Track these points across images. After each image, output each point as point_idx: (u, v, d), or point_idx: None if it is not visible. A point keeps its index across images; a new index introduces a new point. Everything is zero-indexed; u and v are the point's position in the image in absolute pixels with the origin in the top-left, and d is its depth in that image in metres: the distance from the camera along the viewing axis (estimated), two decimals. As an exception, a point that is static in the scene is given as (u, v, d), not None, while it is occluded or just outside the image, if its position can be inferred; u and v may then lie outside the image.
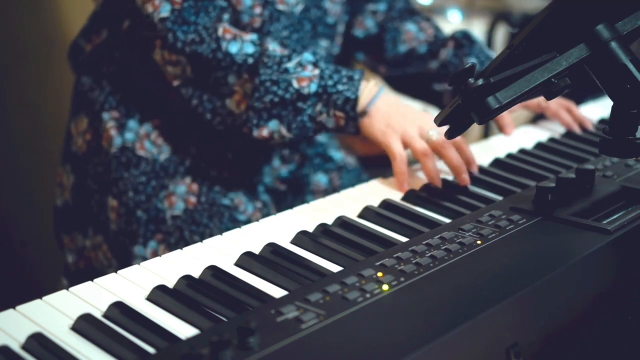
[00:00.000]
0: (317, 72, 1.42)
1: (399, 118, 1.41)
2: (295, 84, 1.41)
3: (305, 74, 1.41)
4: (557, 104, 1.67)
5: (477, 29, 3.56)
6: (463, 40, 1.74)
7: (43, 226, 2.04)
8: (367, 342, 0.87)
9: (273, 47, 1.43)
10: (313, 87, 1.41)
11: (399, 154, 1.38)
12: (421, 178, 1.43)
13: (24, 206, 2.30)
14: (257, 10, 1.52)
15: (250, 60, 1.42)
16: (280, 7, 1.54)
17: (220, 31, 1.43)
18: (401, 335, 0.88)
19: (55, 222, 1.69)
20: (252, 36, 1.44)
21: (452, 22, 3.68)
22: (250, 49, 1.42)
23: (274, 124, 1.43)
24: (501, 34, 3.36)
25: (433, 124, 1.40)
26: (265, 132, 1.44)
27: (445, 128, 1.40)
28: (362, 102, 1.41)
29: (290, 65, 1.41)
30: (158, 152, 1.56)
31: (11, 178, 2.26)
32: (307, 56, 1.44)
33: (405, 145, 1.40)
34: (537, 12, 1.02)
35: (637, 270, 1.15)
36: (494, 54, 1.74)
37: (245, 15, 1.52)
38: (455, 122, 1.10)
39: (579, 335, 1.05)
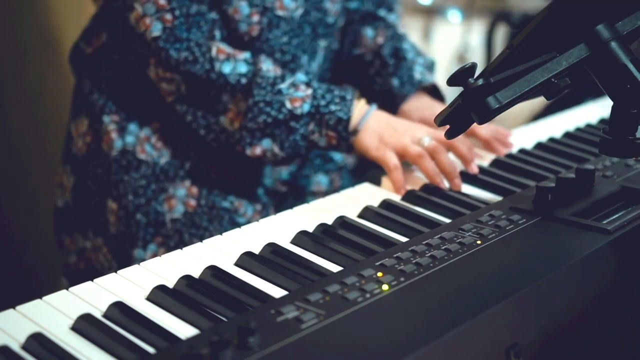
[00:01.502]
0: (309, 92, 1.43)
1: (391, 132, 1.43)
2: (288, 105, 1.42)
3: (298, 94, 1.43)
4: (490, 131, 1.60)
5: (477, 29, 3.57)
6: (390, 59, 1.72)
7: (43, 226, 2.04)
8: (367, 342, 0.87)
9: (266, 66, 1.45)
10: (306, 108, 1.42)
11: (394, 164, 1.39)
12: (421, 177, 1.43)
13: (24, 206, 2.30)
14: (255, 18, 1.52)
15: (244, 80, 1.43)
16: (280, 12, 1.54)
17: (214, 51, 1.44)
18: (401, 335, 0.88)
19: (56, 223, 1.69)
20: (246, 55, 1.46)
21: (452, 22, 3.68)
22: (243, 69, 1.44)
23: (266, 143, 1.45)
24: (501, 34, 3.36)
25: (424, 132, 1.43)
26: (258, 151, 1.46)
27: (437, 135, 1.42)
28: (354, 121, 1.43)
29: (283, 86, 1.43)
30: (158, 155, 1.56)
31: (11, 178, 2.25)
32: (300, 77, 1.45)
33: (400, 155, 1.41)
34: (537, 12, 1.02)
35: (637, 270, 1.15)
36: (420, 72, 1.71)
37: (243, 24, 1.52)
38: (455, 122, 1.10)
39: (579, 335, 1.05)
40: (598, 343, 1.08)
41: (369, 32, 1.76)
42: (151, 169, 1.55)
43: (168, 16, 1.44)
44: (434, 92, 1.74)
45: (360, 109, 1.45)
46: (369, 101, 1.56)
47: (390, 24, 1.80)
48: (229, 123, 1.46)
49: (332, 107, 1.43)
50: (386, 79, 1.71)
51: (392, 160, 1.40)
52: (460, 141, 1.45)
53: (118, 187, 1.55)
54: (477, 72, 1.04)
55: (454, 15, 3.67)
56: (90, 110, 1.59)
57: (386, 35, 1.76)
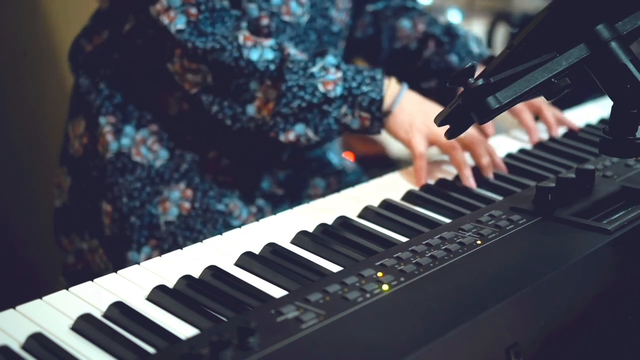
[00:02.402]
0: (340, 74, 1.44)
1: (423, 117, 1.44)
2: (321, 88, 1.43)
3: (330, 77, 1.43)
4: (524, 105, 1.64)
5: (477, 29, 3.56)
6: (444, 37, 1.75)
7: (43, 226, 2.04)
8: (367, 342, 0.87)
9: (294, 51, 1.45)
10: (339, 90, 1.43)
11: (420, 152, 1.42)
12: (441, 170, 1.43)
13: (24, 206, 2.30)
14: (265, 21, 1.52)
15: (272, 67, 1.43)
16: (287, 18, 1.54)
17: (241, 39, 1.44)
18: (401, 335, 0.88)
19: (55, 224, 1.69)
20: (271, 42, 1.46)
21: (452, 22, 3.67)
22: (270, 55, 1.44)
23: (300, 128, 1.45)
24: (501, 34, 3.36)
25: None
26: (291, 136, 1.46)
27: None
28: (387, 102, 1.44)
29: (315, 69, 1.43)
30: (154, 158, 1.56)
31: (11, 178, 2.26)
32: (330, 59, 1.46)
33: (431, 142, 1.43)
34: (537, 12, 1.02)
35: (637, 270, 1.15)
36: (476, 46, 1.74)
37: (251, 26, 1.51)
38: (456, 122, 1.10)
39: (579, 335, 1.05)
40: (598, 343, 1.08)
41: (405, 23, 1.78)
42: (146, 171, 1.55)
43: (193, 10, 1.43)
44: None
45: (392, 89, 1.45)
46: (425, 86, 1.56)
47: (423, 11, 1.82)
48: (256, 111, 1.45)
49: (364, 88, 1.43)
50: (443, 57, 1.73)
51: (420, 147, 1.42)
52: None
53: (113, 189, 1.54)
54: (477, 72, 1.04)
55: (454, 15, 3.66)
56: (88, 111, 1.59)
57: (425, 21, 1.79)
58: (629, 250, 1.14)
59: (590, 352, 1.06)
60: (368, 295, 0.95)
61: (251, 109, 1.45)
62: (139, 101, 1.57)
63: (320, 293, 0.95)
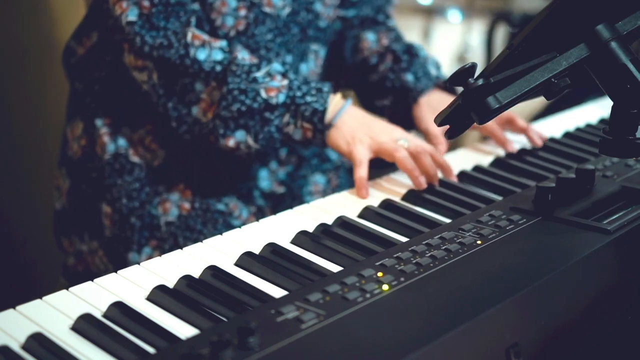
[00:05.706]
0: (285, 82, 1.42)
1: (365, 130, 1.41)
2: (263, 94, 1.41)
3: (274, 84, 1.41)
4: (492, 120, 1.62)
5: (477, 29, 3.56)
6: (403, 55, 1.71)
7: (43, 226, 2.04)
8: (367, 342, 0.87)
9: (242, 55, 1.43)
10: (281, 98, 1.41)
11: (361, 159, 1.37)
12: (408, 183, 1.43)
13: (24, 206, 2.30)
14: (242, 12, 1.51)
15: (218, 68, 1.41)
16: (267, 9, 1.53)
17: (189, 37, 1.42)
18: (401, 335, 0.88)
19: (55, 225, 1.69)
20: (222, 43, 1.44)
21: (452, 22, 3.68)
22: (218, 56, 1.42)
23: (240, 135, 1.43)
24: (501, 34, 3.36)
25: (401, 135, 1.41)
26: (231, 143, 1.44)
27: (414, 139, 1.41)
28: (329, 115, 1.42)
29: (259, 74, 1.41)
30: (152, 157, 1.55)
31: (11, 178, 2.25)
32: (276, 66, 1.44)
33: (375, 152, 1.39)
34: (537, 12, 1.02)
35: (637, 270, 1.15)
36: (434, 69, 1.70)
37: (229, 17, 1.50)
38: (455, 122, 1.10)
39: (579, 335, 1.05)
40: (598, 343, 1.08)
41: (369, 35, 1.75)
42: (144, 171, 1.55)
43: (146, 3, 1.42)
44: (446, 90, 1.73)
45: (335, 103, 1.43)
46: (378, 104, 1.53)
47: (391, 27, 1.79)
48: (201, 114, 1.44)
49: (308, 98, 1.41)
50: (399, 74, 1.70)
51: (360, 154, 1.38)
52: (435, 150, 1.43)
53: (112, 190, 1.54)
54: (477, 72, 1.04)
55: (454, 15, 3.66)
56: (84, 113, 1.59)
57: (390, 37, 1.76)
58: (629, 250, 1.14)
59: (590, 352, 1.06)
60: (368, 295, 0.95)
61: (196, 110, 1.44)
62: (134, 101, 1.57)
63: (320, 293, 0.95)
